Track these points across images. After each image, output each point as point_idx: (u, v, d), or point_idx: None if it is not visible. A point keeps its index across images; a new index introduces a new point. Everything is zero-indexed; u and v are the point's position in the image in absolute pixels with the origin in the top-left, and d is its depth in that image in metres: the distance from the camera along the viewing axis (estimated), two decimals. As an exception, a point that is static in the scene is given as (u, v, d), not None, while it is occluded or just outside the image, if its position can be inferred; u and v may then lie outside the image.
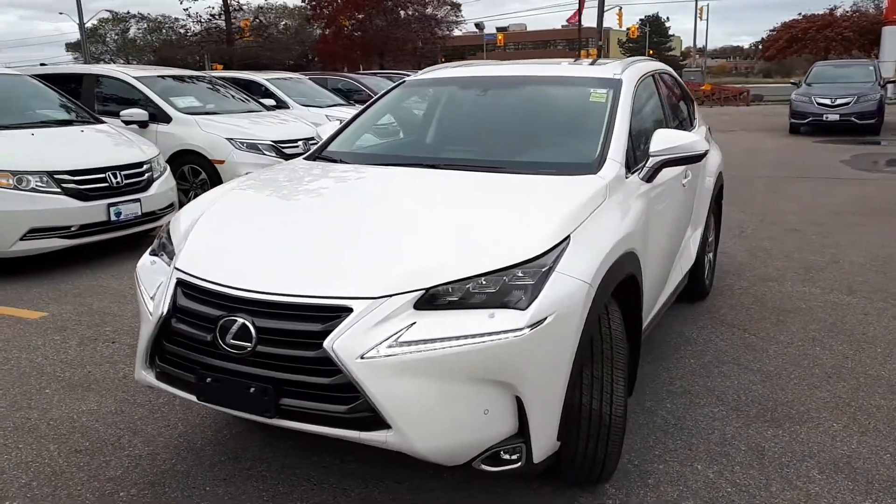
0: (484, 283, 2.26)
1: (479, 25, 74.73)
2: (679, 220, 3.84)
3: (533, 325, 2.21)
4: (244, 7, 47.36)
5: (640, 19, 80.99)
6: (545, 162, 3.19)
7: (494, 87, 3.94)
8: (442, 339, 2.15)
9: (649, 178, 3.21)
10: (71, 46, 67.99)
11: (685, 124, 4.61)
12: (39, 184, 5.83)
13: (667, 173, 3.41)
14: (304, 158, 3.66)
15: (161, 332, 2.49)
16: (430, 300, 2.23)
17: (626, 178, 3.08)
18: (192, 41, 47.05)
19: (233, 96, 10.06)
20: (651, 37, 76.61)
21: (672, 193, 3.59)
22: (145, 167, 6.65)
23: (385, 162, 3.38)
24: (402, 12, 41.12)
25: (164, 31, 56.24)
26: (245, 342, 2.26)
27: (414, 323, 2.18)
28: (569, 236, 2.45)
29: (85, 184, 6.05)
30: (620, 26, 49.72)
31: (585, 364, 2.48)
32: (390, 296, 2.20)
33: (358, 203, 2.89)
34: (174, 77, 9.88)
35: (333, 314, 2.20)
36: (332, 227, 2.63)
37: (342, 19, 38.81)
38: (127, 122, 8.42)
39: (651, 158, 3.19)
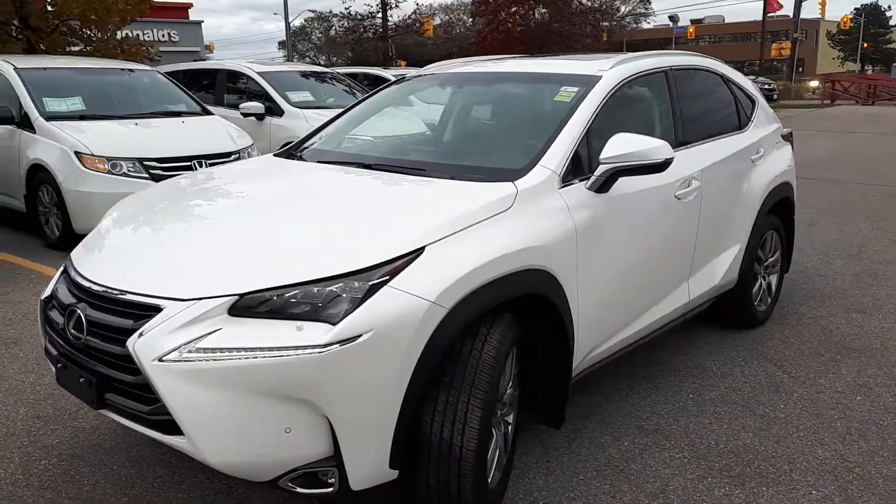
0: (307, 292, 2.13)
1: (672, 18, 71.25)
2: (670, 236, 3.38)
3: (343, 342, 2.04)
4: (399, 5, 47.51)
5: (855, 9, 72.75)
6: (475, 166, 2.94)
7: (469, 85, 3.71)
8: (240, 350, 2.05)
9: (600, 188, 2.85)
10: (281, 44, 74.43)
11: (729, 126, 4.05)
12: (131, 169, 6.41)
13: (638, 184, 3.02)
14: (274, 154, 3.69)
15: (43, 315, 2.63)
16: (248, 307, 2.14)
17: (564, 187, 2.76)
18: (350, 38, 47.61)
19: (352, 90, 10.42)
20: (867, 28, 68.55)
21: (647, 206, 3.16)
22: (233, 157, 7.06)
23: (326, 160, 3.30)
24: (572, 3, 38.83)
25: (358, 30, 59.60)
26: (79, 332, 2.31)
27: (219, 329, 2.10)
28: (423, 248, 2.24)
29: (171, 170, 6.54)
30: (823, 16, 45.10)
31: (436, 388, 2.27)
32: (199, 299, 2.14)
33: (245, 203, 2.87)
34: (301, 73, 10.44)
35: (145, 312, 2.18)
36: (199, 227, 2.63)
37: (506, 13, 37.92)
38: (245, 115, 9.04)
39: (601, 166, 2.83)
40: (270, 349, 2.04)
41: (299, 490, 2.18)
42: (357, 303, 2.10)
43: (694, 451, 3.05)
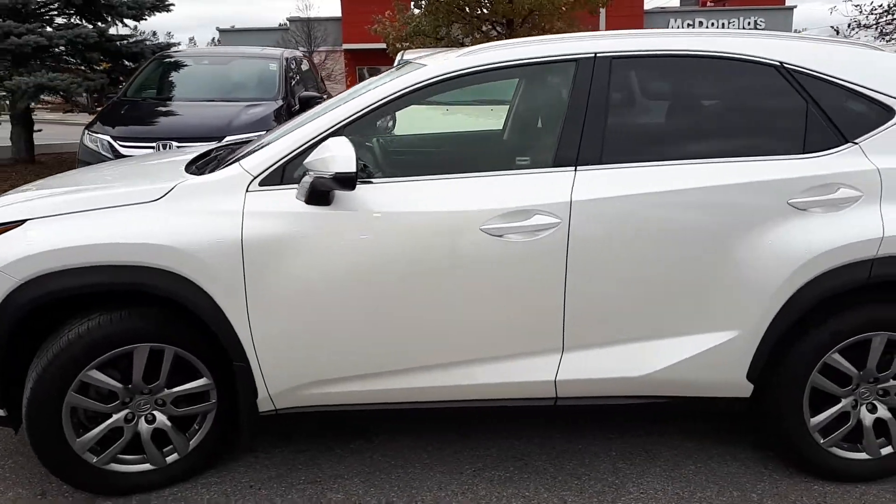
0: None
1: None
2: (477, 281, 2.44)
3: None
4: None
5: None
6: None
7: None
8: None
9: (312, 199, 2.39)
10: None
11: (765, 146, 2.54)
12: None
13: (398, 201, 2.41)
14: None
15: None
16: None
17: (264, 190, 2.45)
18: None
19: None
20: None
21: (413, 233, 2.40)
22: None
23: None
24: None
25: None
26: None
27: None
28: (24, 220, 2.45)
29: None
30: None
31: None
32: None
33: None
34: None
35: None
36: None
37: None
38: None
39: (308, 173, 2.39)
40: None
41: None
42: None
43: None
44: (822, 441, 2.67)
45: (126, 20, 10.50)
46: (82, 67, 9.86)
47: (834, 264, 2.47)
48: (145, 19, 10.61)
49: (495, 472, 2.80)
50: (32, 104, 10.03)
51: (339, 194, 2.42)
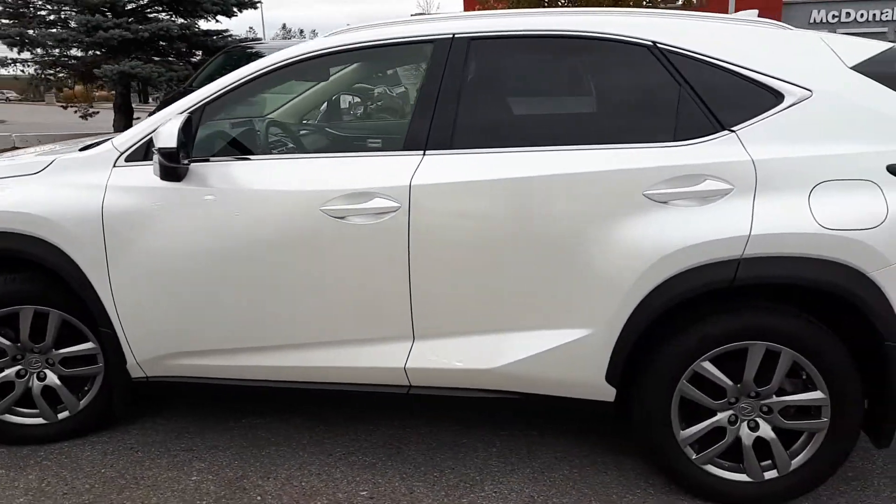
0: None
1: None
2: (314, 265, 2.42)
3: None
4: None
5: None
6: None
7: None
8: None
9: (167, 175, 2.47)
10: None
11: (630, 131, 2.35)
12: None
13: (245, 179, 2.47)
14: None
15: None
16: None
17: (130, 165, 2.57)
18: None
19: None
20: None
21: (253, 211, 2.44)
22: None
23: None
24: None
25: None
26: None
27: None
28: None
29: None
30: None
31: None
32: None
33: None
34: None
35: None
36: None
37: None
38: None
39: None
40: None
41: None
42: None
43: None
44: (694, 456, 2.45)
45: (218, 17, 11.19)
46: (169, 59, 10.63)
47: (691, 263, 2.25)
48: (235, 15, 11.26)
49: (364, 457, 2.78)
50: (133, 92, 10.93)
51: (191, 171, 2.50)
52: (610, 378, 2.42)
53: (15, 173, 2.68)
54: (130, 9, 9.98)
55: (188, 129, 2.44)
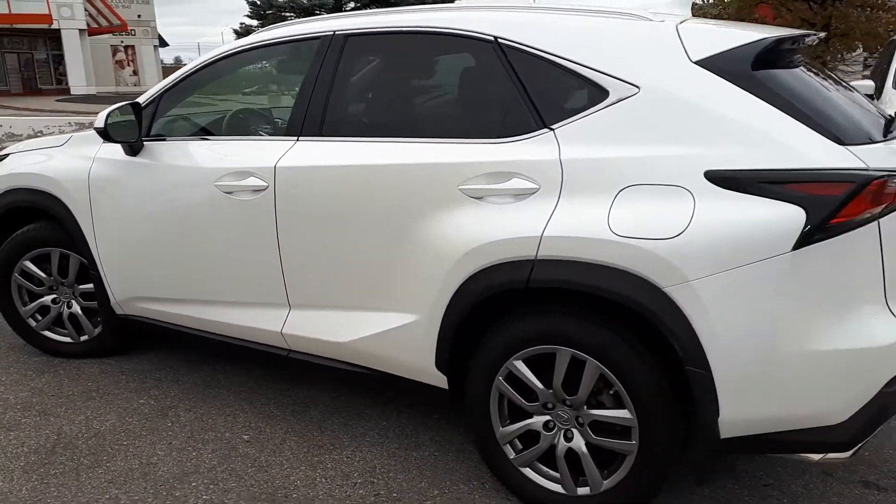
0: None
1: None
2: (211, 232, 2.79)
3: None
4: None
5: None
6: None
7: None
8: None
9: (129, 151, 3.07)
10: None
11: (471, 127, 2.36)
12: None
13: (166, 155, 2.98)
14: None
15: None
16: None
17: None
18: None
19: None
20: None
21: (167, 181, 2.93)
22: None
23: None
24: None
25: None
26: None
27: None
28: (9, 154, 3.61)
29: None
30: None
31: None
32: None
33: None
34: None
35: None
36: None
37: None
38: None
39: None
40: None
41: None
42: None
43: None
44: (512, 456, 2.42)
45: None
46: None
47: (492, 260, 2.25)
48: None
49: (270, 408, 3.14)
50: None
51: (146, 147, 3.05)
52: (438, 365, 2.49)
53: (47, 145, 3.46)
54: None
55: (137, 113, 2.99)
